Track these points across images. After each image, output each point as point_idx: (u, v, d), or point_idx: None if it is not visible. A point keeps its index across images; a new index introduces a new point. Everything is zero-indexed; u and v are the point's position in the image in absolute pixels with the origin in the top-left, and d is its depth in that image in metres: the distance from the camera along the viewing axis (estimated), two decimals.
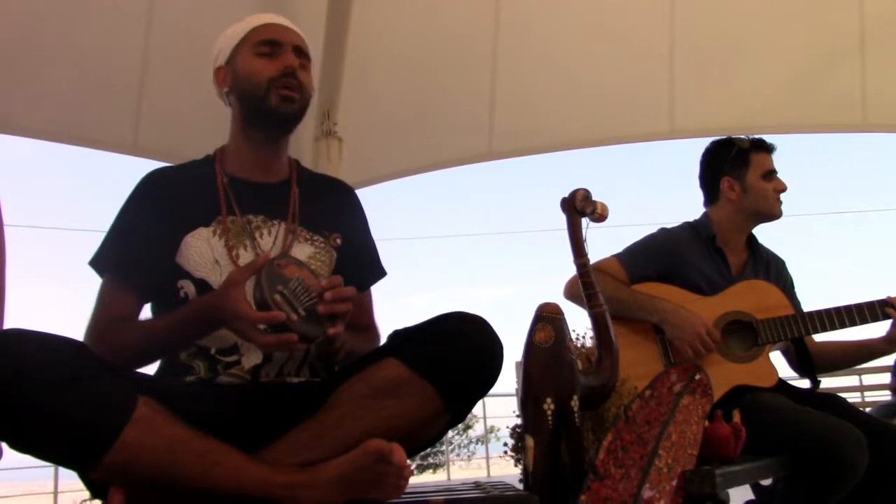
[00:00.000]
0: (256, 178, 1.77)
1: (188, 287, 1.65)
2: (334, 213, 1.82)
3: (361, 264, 1.85)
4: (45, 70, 3.19)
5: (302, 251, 1.70)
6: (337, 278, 1.52)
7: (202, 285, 1.64)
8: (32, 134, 3.43)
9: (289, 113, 1.71)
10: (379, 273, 1.91)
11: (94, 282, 1.70)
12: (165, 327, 1.61)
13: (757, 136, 2.57)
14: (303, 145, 3.25)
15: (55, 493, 8.65)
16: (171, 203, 1.70)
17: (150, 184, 1.76)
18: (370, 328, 1.85)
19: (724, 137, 2.61)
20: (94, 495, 1.46)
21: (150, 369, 1.67)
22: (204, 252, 1.64)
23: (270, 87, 1.70)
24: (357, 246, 1.84)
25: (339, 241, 1.78)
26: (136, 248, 1.68)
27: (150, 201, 1.72)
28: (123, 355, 1.56)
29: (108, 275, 1.70)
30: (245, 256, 1.66)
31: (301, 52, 1.76)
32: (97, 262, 1.70)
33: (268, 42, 1.74)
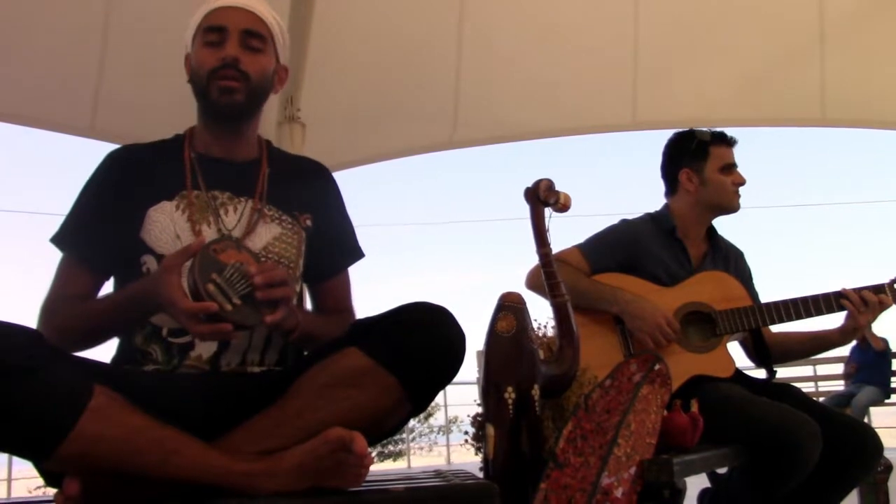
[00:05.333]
0: (224, 156, 1.73)
1: (151, 263, 1.62)
2: (306, 194, 1.78)
3: (335, 246, 1.82)
4: (3, 52, 3.13)
5: (268, 231, 1.68)
6: (269, 264, 1.50)
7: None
8: None
9: (229, 105, 1.65)
10: (354, 255, 1.87)
11: (50, 267, 1.68)
12: (107, 308, 1.60)
13: (718, 129, 2.59)
14: (266, 130, 3.21)
15: (9, 480, 8.52)
16: (136, 178, 1.67)
17: (115, 160, 1.73)
18: (345, 312, 1.82)
19: (685, 129, 2.63)
20: (49, 484, 1.44)
21: (107, 357, 1.65)
22: (166, 227, 1.61)
23: (210, 80, 1.64)
24: (330, 227, 1.80)
25: (308, 222, 1.75)
26: (96, 226, 1.66)
27: (113, 177, 1.69)
28: (68, 334, 1.54)
29: (65, 252, 1.67)
30: (208, 233, 1.63)
31: (251, 34, 1.68)
32: (57, 239, 1.67)
33: (214, 29, 1.67)
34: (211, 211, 1.65)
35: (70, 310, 1.60)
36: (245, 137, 1.76)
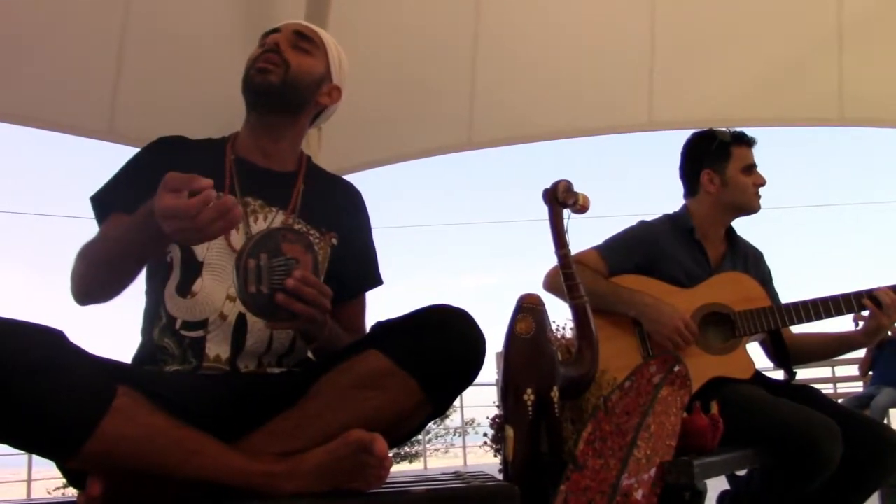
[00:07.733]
0: (262, 163, 1.77)
1: (175, 252, 1.65)
2: (335, 213, 1.81)
3: (356, 270, 1.84)
4: (22, 55, 3.15)
5: None
6: (316, 280, 1.46)
7: (187, 253, 1.64)
8: (6, 118, 3.38)
9: (261, 83, 1.71)
10: (374, 281, 1.90)
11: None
12: (121, 232, 1.55)
13: (738, 130, 2.58)
14: None
15: (28, 481, 8.58)
16: (179, 167, 1.67)
17: (164, 142, 1.78)
18: (358, 333, 1.82)
19: (705, 130, 2.62)
20: (71, 484, 1.45)
21: (128, 357, 1.66)
22: None
23: (251, 67, 1.73)
24: (354, 250, 1.83)
25: (334, 240, 1.77)
26: (136, 188, 1.63)
27: (159, 158, 1.71)
28: (91, 273, 1.57)
29: (103, 210, 1.69)
30: (235, 237, 1.65)
31: (301, 35, 1.77)
32: (100, 198, 1.70)
33: (268, 32, 1.77)
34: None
35: (91, 248, 1.61)
36: (284, 145, 1.80)
